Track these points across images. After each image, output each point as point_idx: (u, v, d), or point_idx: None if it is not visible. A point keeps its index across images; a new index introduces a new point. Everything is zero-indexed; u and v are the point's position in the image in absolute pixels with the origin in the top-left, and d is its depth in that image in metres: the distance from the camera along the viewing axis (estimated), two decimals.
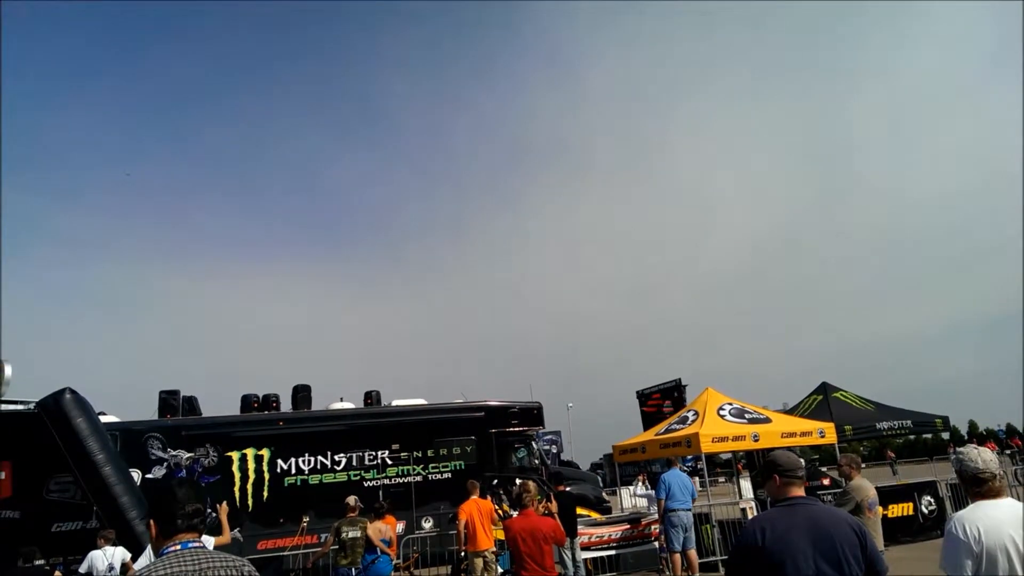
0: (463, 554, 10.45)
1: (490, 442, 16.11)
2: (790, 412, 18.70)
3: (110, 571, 9.82)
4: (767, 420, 14.41)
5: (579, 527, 11.99)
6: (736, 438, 13.79)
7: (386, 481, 15.15)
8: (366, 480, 15.01)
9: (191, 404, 14.89)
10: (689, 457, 26.88)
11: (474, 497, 9.95)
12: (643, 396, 26.80)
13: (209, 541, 6.79)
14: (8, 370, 13.51)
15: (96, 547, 9.99)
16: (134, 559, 9.64)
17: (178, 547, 2.31)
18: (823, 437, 14.45)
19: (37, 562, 11.38)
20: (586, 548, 12.35)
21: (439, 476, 15.59)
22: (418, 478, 15.44)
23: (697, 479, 25.82)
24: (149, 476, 13.05)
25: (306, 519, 13.78)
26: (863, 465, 8.44)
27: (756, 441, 13.79)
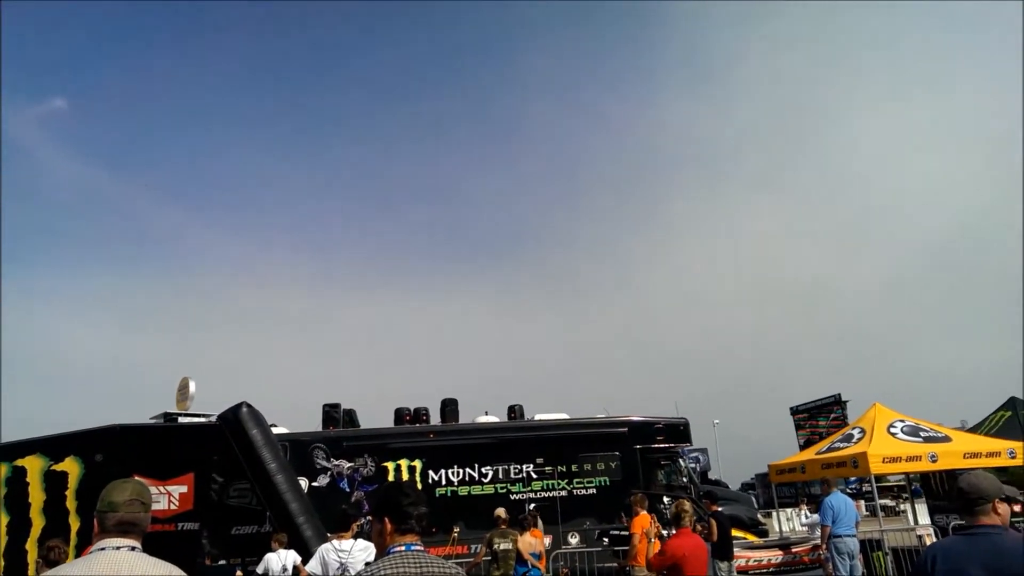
0: (628, 569, 10.25)
1: (635, 458, 15.81)
2: (972, 430, 17.00)
3: (284, 572, 10.57)
4: (946, 439, 13.11)
5: (735, 550, 11.44)
6: (911, 458, 12.65)
7: (532, 495, 15.24)
8: (512, 493, 15.18)
9: (351, 417, 15.79)
10: (852, 479, 25.08)
11: (644, 512, 9.76)
12: (798, 412, 25.41)
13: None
14: (192, 386, 15.02)
15: (271, 550, 10.81)
16: (304, 562, 10.32)
17: (403, 548, 2.37)
18: (1013, 458, 12.91)
19: (220, 562, 12.42)
20: (743, 572, 11.76)
21: (584, 492, 15.48)
22: (563, 493, 15.41)
23: (862, 503, 23.93)
24: (315, 484, 13.96)
25: (457, 530, 14.13)
26: None
27: (934, 462, 12.59)
